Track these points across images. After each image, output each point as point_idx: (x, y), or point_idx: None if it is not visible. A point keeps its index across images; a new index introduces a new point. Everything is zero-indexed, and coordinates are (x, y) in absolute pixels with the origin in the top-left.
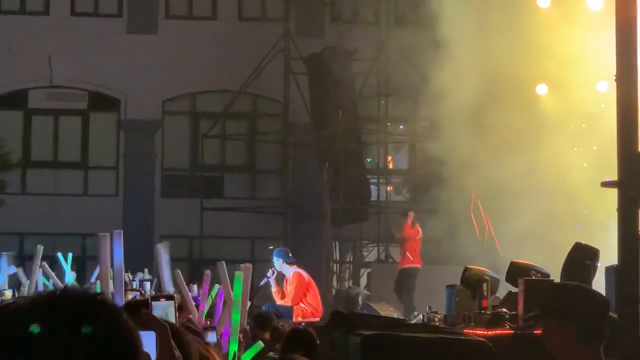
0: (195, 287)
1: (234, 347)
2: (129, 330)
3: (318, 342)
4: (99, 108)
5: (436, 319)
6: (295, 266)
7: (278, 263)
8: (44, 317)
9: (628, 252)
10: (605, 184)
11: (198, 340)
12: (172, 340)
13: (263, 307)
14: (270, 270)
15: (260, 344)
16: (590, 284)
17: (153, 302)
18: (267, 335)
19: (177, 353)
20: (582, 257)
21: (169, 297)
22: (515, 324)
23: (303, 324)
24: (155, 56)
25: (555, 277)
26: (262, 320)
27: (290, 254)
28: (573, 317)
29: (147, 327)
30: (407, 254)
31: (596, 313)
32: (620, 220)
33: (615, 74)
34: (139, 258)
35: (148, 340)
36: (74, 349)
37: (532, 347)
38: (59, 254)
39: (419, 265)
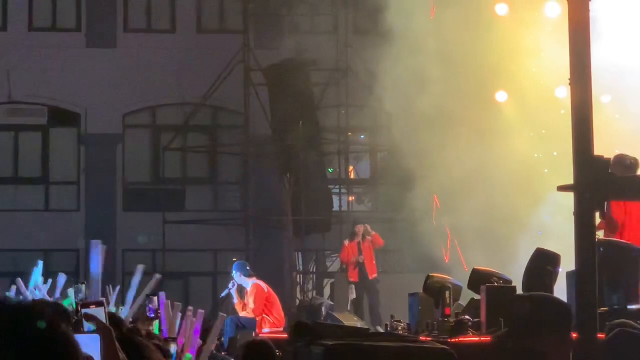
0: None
1: None
2: (66, 335)
3: (278, 353)
4: (59, 123)
5: (400, 328)
6: (254, 278)
7: (237, 276)
8: None
9: (585, 255)
10: (561, 188)
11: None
12: (116, 343)
13: (227, 319)
14: (231, 282)
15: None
16: (552, 289)
17: (83, 310)
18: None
19: (121, 355)
20: (543, 263)
21: (99, 304)
22: (479, 331)
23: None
24: (114, 70)
25: (517, 283)
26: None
27: (248, 267)
28: (535, 330)
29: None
30: (375, 263)
31: (559, 323)
32: (577, 223)
33: (569, 77)
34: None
35: (92, 343)
36: (10, 354)
37: (495, 353)
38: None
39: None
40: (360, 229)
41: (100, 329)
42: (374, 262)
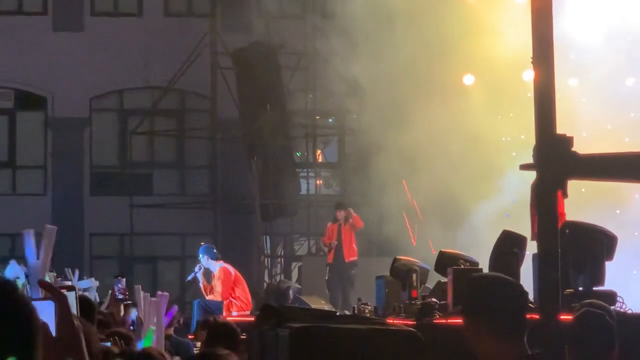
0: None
1: None
2: (21, 298)
3: (242, 335)
4: (26, 107)
5: (366, 311)
6: (221, 262)
7: (204, 260)
8: None
9: (548, 233)
10: (523, 167)
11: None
12: (70, 310)
13: (194, 303)
14: (197, 266)
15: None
16: (518, 271)
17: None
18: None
19: (76, 322)
20: (509, 245)
21: (70, 288)
22: (445, 313)
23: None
24: (81, 53)
25: (484, 265)
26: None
27: (215, 250)
28: (485, 311)
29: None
30: (353, 246)
31: (510, 305)
32: (539, 201)
33: (531, 56)
34: (69, 255)
35: (47, 310)
36: None
37: (461, 335)
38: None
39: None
40: (340, 214)
41: (55, 295)
42: (354, 245)
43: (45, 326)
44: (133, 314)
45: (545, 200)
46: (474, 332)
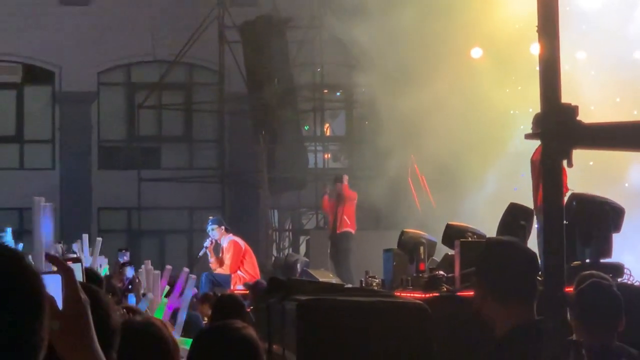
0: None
1: None
2: (29, 274)
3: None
4: (33, 81)
5: (374, 284)
6: (230, 234)
7: (215, 230)
8: None
9: (552, 202)
10: (528, 136)
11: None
12: (78, 284)
13: (202, 276)
14: (207, 240)
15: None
16: (525, 244)
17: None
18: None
19: (83, 296)
20: (517, 218)
21: (76, 260)
22: (452, 286)
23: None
24: (88, 27)
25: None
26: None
27: (224, 223)
28: (491, 274)
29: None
30: (345, 217)
31: (517, 269)
32: (545, 171)
33: (537, 25)
34: (77, 229)
35: (54, 284)
36: None
37: (468, 308)
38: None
39: (353, 231)
40: (346, 177)
41: (61, 269)
42: (344, 216)
43: (52, 299)
44: (129, 272)
45: (550, 170)
46: (482, 294)
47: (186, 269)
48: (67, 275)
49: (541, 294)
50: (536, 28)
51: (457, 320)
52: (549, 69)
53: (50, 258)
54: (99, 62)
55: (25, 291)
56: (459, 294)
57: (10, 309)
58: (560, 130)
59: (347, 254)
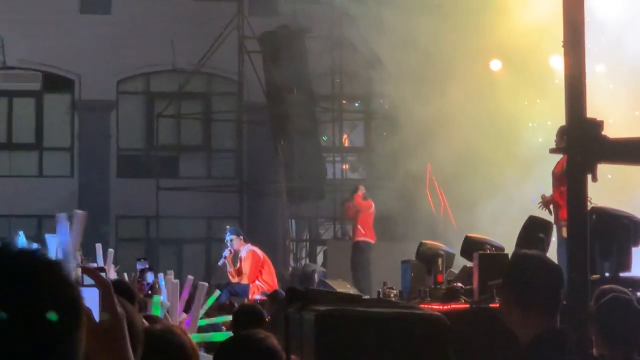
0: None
1: None
2: (70, 285)
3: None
4: (53, 89)
5: (392, 295)
6: (249, 244)
7: (234, 241)
8: None
9: (577, 217)
10: (553, 150)
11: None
12: (114, 297)
13: (223, 293)
14: (226, 249)
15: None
16: None
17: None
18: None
19: (119, 309)
20: (535, 230)
21: (100, 270)
22: (471, 298)
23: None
24: (108, 36)
25: (510, 250)
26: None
27: (241, 233)
28: (516, 285)
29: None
30: (359, 227)
31: (541, 280)
32: (569, 185)
33: (562, 40)
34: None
35: (91, 297)
36: (11, 300)
37: (487, 320)
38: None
39: (372, 240)
40: (362, 187)
41: (99, 283)
42: (358, 225)
43: (89, 312)
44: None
45: (575, 184)
46: (506, 303)
47: (203, 283)
48: (104, 288)
49: (565, 308)
50: (562, 43)
51: (475, 332)
52: (574, 84)
53: (88, 271)
54: (119, 70)
55: (64, 303)
56: (477, 305)
57: (49, 320)
58: (585, 144)
59: (362, 264)
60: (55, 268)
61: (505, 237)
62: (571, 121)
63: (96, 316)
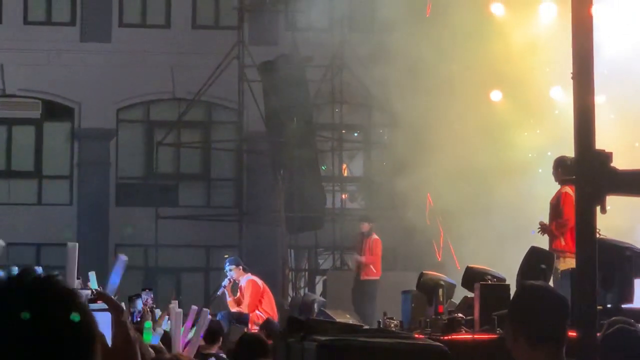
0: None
1: None
2: (83, 306)
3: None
4: (53, 117)
5: (392, 325)
6: (249, 274)
7: (233, 270)
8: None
9: (586, 249)
10: (562, 181)
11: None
12: (128, 322)
13: (218, 316)
14: (225, 279)
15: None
16: None
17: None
18: (214, 349)
19: (132, 333)
20: (537, 261)
21: (95, 299)
22: (472, 329)
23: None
24: (109, 65)
25: (511, 281)
26: (211, 334)
27: (241, 263)
28: (523, 317)
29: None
30: (372, 267)
31: (548, 313)
32: (578, 216)
33: (571, 72)
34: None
35: (104, 321)
36: (26, 327)
37: (487, 351)
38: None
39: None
40: (364, 227)
41: (112, 307)
42: (371, 263)
43: (102, 337)
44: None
45: (584, 215)
46: (513, 337)
47: (205, 309)
48: (117, 313)
49: (572, 339)
50: (570, 75)
51: None
52: (583, 116)
53: (101, 296)
54: (119, 99)
55: (80, 331)
56: (477, 336)
57: (65, 348)
58: (595, 176)
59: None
60: (68, 297)
61: (506, 267)
62: (580, 153)
63: (109, 340)
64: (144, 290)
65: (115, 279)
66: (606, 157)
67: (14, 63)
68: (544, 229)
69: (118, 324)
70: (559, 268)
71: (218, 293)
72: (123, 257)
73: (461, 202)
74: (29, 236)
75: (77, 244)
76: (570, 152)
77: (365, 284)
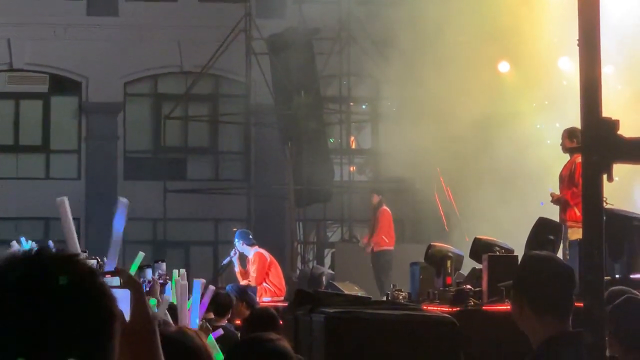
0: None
1: None
2: (103, 287)
3: (281, 321)
4: (60, 91)
5: (400, 297)
6: (256, 247)
7: (239, 245)
8: (20, 276)
9: (593, 217)
10: (567, 150)
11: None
12: (147, 300)
13: (227, 288)
14: (232, 250)
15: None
16: None
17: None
18: (223, 321)
19: (151, 312)
20: (545, 232)
21: (114, 273)
22: (480, 300)
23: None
24: (116, 38)
25: (519, 252)
26: (220, 307)
27: (250, 236)
28: (528, 287)
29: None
30: (382, 235)
31: (553, 283)
32: (584, 185)
33: (577, 38)
34: (101, 239)
35: (123, 298)
36: (48, 302)
37: (495, 322)
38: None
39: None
40: (374, 199)
41: (130, 283)
42: (382, 234)
43: (122, 316)
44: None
45: (591, 184)
46: (519, 307)
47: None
48: (137, 290)
49: (579, 310)
50: (576, 42)
51: (484, 334)
52: (589, 83)
53: (120, 272)
54: (126, 72)
55: (100, 311)
56: (485, 307)
57: (85, 329)
58: (601, 144)
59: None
60: (88, 276)
61: (514, 238)
62: (587, 121)
63: (127, 316)
64: (156, 262)
65: (119, 225)
66: (613, 124)
67: (21, 37)
68: (558, 199)
69: (137, 302)
70: (571, 238)
71: (224, 262)
72: (124, 200)
73: (470, 173)
74: (37, 210)
75: (65, 198)
76: (578, 123)
77: (379, 256)
